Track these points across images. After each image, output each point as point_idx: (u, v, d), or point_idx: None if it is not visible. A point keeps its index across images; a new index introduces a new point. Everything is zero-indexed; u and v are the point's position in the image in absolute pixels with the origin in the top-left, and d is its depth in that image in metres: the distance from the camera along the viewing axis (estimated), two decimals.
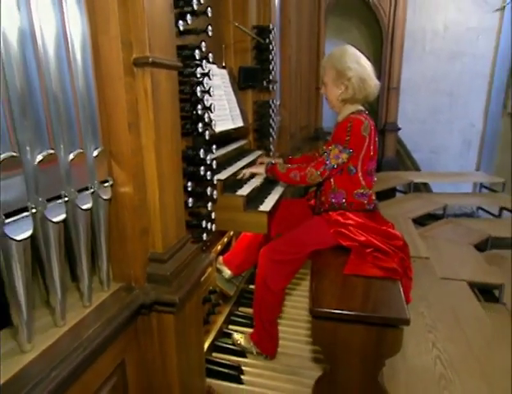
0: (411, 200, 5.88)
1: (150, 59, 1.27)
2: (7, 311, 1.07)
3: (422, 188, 6.58)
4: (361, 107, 2.15)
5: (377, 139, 2.13)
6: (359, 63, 2.08)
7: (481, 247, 4.55)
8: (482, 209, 6.32)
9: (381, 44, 6.46)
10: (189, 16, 1.52)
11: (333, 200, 2.11)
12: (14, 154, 0.97)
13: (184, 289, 1.43)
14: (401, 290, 1.81)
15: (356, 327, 1.67)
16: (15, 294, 1.03)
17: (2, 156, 0.94)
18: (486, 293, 3.66)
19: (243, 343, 2.19)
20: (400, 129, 6.90)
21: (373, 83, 2.12)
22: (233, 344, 2.25)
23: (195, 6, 1.50)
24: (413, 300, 2.11)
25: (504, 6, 6.54)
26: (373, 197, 2.17)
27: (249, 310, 2.54)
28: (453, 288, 3.41)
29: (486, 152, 7.28)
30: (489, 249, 4.61)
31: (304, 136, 4.85)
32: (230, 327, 2.43)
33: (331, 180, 2.10)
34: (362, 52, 2.17)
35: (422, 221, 5.31)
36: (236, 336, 2.23)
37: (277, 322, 2.18)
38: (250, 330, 2.34)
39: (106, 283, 1.39)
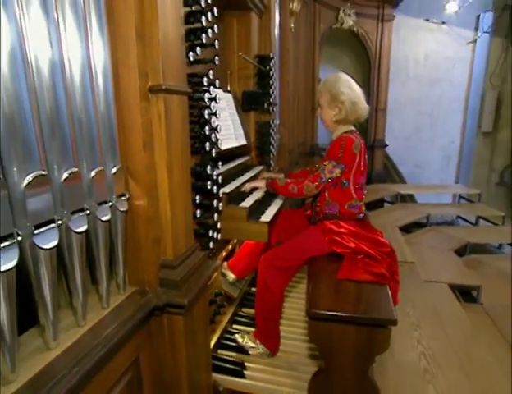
0: (398, 210, 5.88)
1: (164, 86, 1.30)
2: (35, 312, 1.08)
3: (408, 199, 6.58)
4: (353, 128, 2.17)
5: (366, 156, 2.14)
6: (351, 88, 2.11)
7: (460, 252, 4.56)
8: (461, 218, 6.35)
9: (370, 70, 6.52)
10: (198, 48, 1.55)
11: (327, 211, 2.12)
12: (43, 173, 0.99)
13: (192, 293, 1.44)
14: (389, 293, 1.82)
15: (349, 328, 1.67)
16: (42, 296, 1.05)
17: (33, 175, 0.96)
18: (465, 294, 3.66)
19: (249, 342, 2.17)
20: (387, 145, 6.93)
21: (363, 106, 2.14)
22: (236, 342, 2.22)
23: (204, 40, 1.53)
24: (400, 301, 2.11)
25: (475, 40, 6.75)
26: (363, 208, 2.18)
27: (251, 311, 2.53)
28: (435, 290, 3.42)
29: (463, 166, 7.39)
30: (468, 255, 4.62)
31: (301, 152, 4.87)
32: (234, 326, 2.42)
33: (326, 192, 2.11)
34: (353, 78, 2.19)
35: (407, 228, 5.30)
36: (240, 337, 2.21)
37: (279, 322, 2.17)
38: (252, 329, 2.33)
39: (122, 287, 1.40)
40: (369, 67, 6.53)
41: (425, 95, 7.21)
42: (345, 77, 2.15)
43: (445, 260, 4.19)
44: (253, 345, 2.12)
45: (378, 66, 6.47)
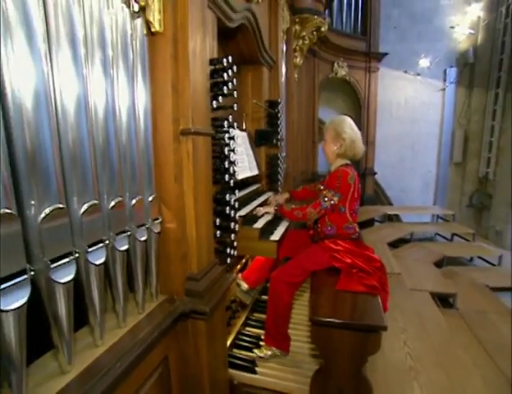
0: (386, 228, 5.80)
1: (192, 130, 1.33)
2: (85, 314, 1.08)
3: (395, 218, 6.49)
4: (348, 162, 2.16)
5: (359, 185, 2.13)
6: (353, 130, 2.13)
7: (439, 264, 4.49)
8: (439, 235, 6.28)
9: (360, 111, 6.60)
10: (220, 97, 1.58)
11: (327, 232, 2.10)
12: (96, 202, 1.01)
13: (213, 302, 1.43)
14: (380, 302, 1.77)
15: (345, 332, 1.63)
16: (92, 302, 1.06)
17: (88, 204, 0.98)
18: (443, 300, 3.57)
19: (265, 352, 2.08)
20: (376, 173, 6.93)
21: (360, 146, 2.16)
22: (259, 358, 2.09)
23: (225, 91, 1.56)
24: (390, 308, 2.06)
25: (444, 88, 6.89)
26: (357, 229, 2.15)
27: (262, 316, 2.49)
28: (419, 297, 3.34)
29: (440, 191, 7.38)
30: (445, 266, 4.54)
31: (303, 178, 4.87)
32: (247, 328, 2.38)
33: (326, 216, 2.10)
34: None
35: (394, 244, 5.22)
36: (257, 352, 2.09)
37: (288, 326, 2.12)
38: (262, 331, 2.28)
39: (155, 295, 1.40)
40: (360, 108, 6.60)
41: (406, 132, 7.27)
42: (349, 120, 2.17)
43: (426, 271, 4.12)
44: (270, 351, 2.06)
45: (367, 108, 6.56)
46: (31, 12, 0.82)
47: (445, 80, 6.89)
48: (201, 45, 1.41)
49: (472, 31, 6.46)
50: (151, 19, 1.20)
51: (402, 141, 7.32)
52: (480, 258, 5.02)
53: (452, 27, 6.52)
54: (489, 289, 3.79)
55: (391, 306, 2.23)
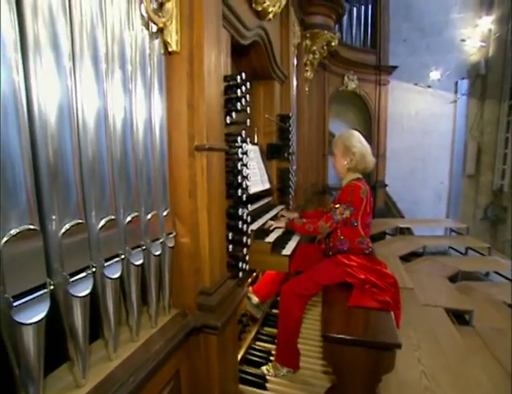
0: (398, 241, 5.70)
1: (207, 146, 1.35)
2: (97, 327, 1.10)
3: (406, 231, 6.40)
4: (360, 175, 2.16)
5: (371, 198, 2.12)
6: (362, 143, 2.13)
7: (453, 279, 4.35)
8: (452, 248, 6.14)
9: (371, 123, 6.59)
10: (234, 113, 1.60)
11: (339, 246, 2.08)
12: (113, 217, 1.03)
13: (225, 316, 1.43)
14: (393, 319, 1.74)
15: (358, 349, 1.60)
16: (107, 315, 1.08)
17: (106, 219, 1.00)
18: (458, 317, 3.46)
19: (272, 371, 2.06)
20: (387, 185, 6.87)
21: (370, 159, 2.16)
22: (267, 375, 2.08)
23: (239, 107, 1.58)
24: (402, 324, 2.01)
25: (455, 100, 6.85)
26: (370, 244, 2.13)
27: (272, 330, 2.47)
28: (432, 313, 3.23)
29: (452, 203, 7.24)
30: (459, 281, 4.40)
31: (314, 191, 4.86)
32: (258, 343, 2.36)
33: (338, 231, 2.09)
34: (358, 130, 2.22)
35: (406, 258, 5.12)
36: (265, 369, 2.08)
37: (297, 341, 2.09)
38: (273, 346, 2.26)
39: (167, 309, 1.40)
40: (370, 121, 6.59)
41: (417, 144, 7.21)
42: (357, 134, 2.18)
43: (440, 286, 4.00)
44: (278, 371, 2.04)
45: (378, 120, 6.54)
46: (59, 32, 0.86)
47: (456, 92, 6.87)
48: (216, 63, 1.44)
49: (483, 44, 6.45)
50: (168, 39, 1.25)
51: (413, 153, 7.26)
52: (496, 273, 4.88)
53: (463, 40, 6.52)
54: (506, 305, 3.67)
55: (404, 322, 2.18)
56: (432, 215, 7.21)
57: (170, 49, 1.27)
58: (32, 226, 0.81)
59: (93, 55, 0.96)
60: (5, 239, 0.76)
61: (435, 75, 6.76)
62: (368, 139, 6.17)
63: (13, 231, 0.77)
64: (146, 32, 1.19)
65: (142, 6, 1.16)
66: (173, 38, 1.26)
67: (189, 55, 1.32)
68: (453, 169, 7.16)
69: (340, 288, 1.99)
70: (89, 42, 0.95)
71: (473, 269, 4.91)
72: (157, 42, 1.25)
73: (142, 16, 1.17)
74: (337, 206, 2.03)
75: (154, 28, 1.22)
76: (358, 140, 2.13)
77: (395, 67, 6.48)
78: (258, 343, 2.36)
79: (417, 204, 7.34)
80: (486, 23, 6.38)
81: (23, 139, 0.78)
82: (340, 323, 1.70)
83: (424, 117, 7.13)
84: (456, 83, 6.83)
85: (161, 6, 1.22)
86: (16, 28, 0.76)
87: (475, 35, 6.52)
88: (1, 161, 0.74)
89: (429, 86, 6.89)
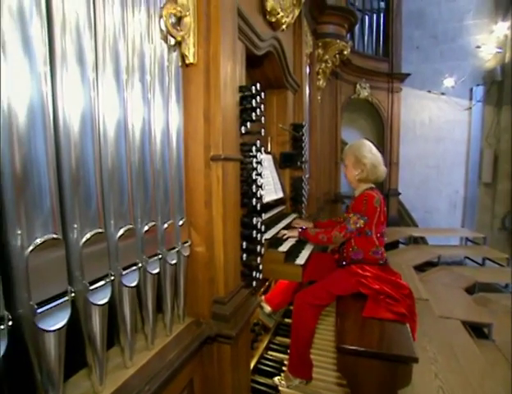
0: (411, 250, 5.61)
1: (222, 156, 1.37)
2: (112, 334, 1.12)
3: (420, 241, 6.30)
4: (373, 185, 2.15)
5: (385, 208, 2.11)
6: (372, 153, 2.12)
7: (470, 290, 4.24)
8: (469, 259, 5.99)
9: (383, 131, 6.55)
10: (248, 123, 1.62)
11: (353, 256, 2.07)
12: (131, 226, 1.05)
13: (238, 326, 1.43)
14: (409, 331, 1.72)
15: (373, 362, 1.58)
16: (124, 322, 1.09)
17: (124, 228, 1.02)
18: (476, 330, 3.36)
19: (284, 381, 2.04)
20: (400, 193, 6.79)
21: (382, 168, 2.14)
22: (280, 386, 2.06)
23: (254, 117, 1.61)
24: (417, 336, 1.97)
25: (470, 107, 6.76)
26: (384, 254, 2.11)
27: (284, 340, 2.46)
28: (449, 326, 3.15)
29: (468, 212, 7.08)
30: (477, 293, 4.29)
31: (326, 199, 4.84)
32: (270, 352, 2.35)
33: (352, 240, 2.08)
34: (370, 139, 2.22)
35: (421, 267, 5.03)
36: (277, 380, 2.07)
37: (310, 352, 2.07)
38: (285, 356, 2.24)
39: (182, 317, 1.41)
40: (383, 128, 6.56)
41: (431, 151, 7.14)
42: (367, 143, 2.17)
43: (456, 297, 3.91)
44: (290, 382, 2.02)
45: (390, 128, 6.50)
46: (84, 46, 0.90)
47: (471, 99, 6.78)
48: (231, 74, 1.47)
49: (499, 50, 6.37)
50: (186, 52, 1.28)
51: (426, 161, 7.18)
52: None
53: (478, 47, 6.46)
54: None
55: (419, 334, 2.14)
56: (446, 224, 7.08)
57: (187, 62, 1.31)
58: (55, 236, 0.83)
59: (114, 66, 1.00)
60: (31, 248, 0.78)
61: (449, 82, 6.71)
62: (381, 146, 6.22)
63: (38, 240, 0.79)
64: (165, 45, 1.23)
65: (161, 20, 1.20)
66: (190, 51, 1.29)
67: (206, 67, 1.35)
68: (468, 177, 7.03)
69: (354, 298, 1.97)
70: (111, 54, 0.99)
71: (492, 281, 4.80)
72: (175, 54, 1.28)
73: (161, 29, 1.21)
74: (351, 216, 2.02)
75: (172, 41, 1.26)
76: (369, 150, 2.12)
77: (407, 75, 6.46)
78: (270, 353, 2.34)
79: (431, 213, 7.23)
80: (503, 29, 6.31)
81: (49, 148, 0.81)
82: (354, 334, 1.69)
83: (438, 124, 7.06)
84: (471, 89, 6.75)
85: (179, 20, 1.25)
86: (46, 43, 0.80)
87: (491, 41, 6.46)
88: (28, 170, 0.77)
89: (443, 93, 6.83)
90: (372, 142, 2.21)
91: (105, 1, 0.97)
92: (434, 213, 7.24)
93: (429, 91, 6.92)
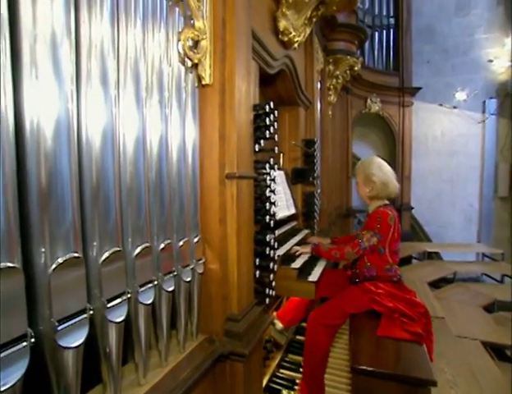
0: (426, 266, 5.48)
1: (237, 174, 1.39)
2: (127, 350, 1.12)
3: (435, 256, 6.18)
4: (387, 202, 2.14)
5: (400, 225, 2.09)
6: (382, 170, 2.11)
7: (488, 309, 4.09)
8: (487, 275, 5.82)
9: (395, 145, 6.53)
10: (262, 141, 1.65)
11: (367, 273, 2.05)
12: (148, 245, 1.07)
13: (251, 344, 1.42)
14: (427, 352, 1.67)
15: (389, 384, 1.54)
16: (139, 339, 1.11)
17: (142, 246, 1.04)
18: (497, 352, 3.21)
19: None
20: (412, 208, 6.71)
21: (392, 186, 2.12)
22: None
23: (267, 135, 1.63)
24: (434, 357, 1.91)
25: (484, 120, 6.69)
26: (398, 271, 2.08)
27: (296, 357, 2.42)
28: (468, 346, 3.03)
29: (484, 227, 6.91)
30: (496, 312, 4.13)
31: (338, 213, 4.81)
32: (281, 370, 2.31)
33: (365, 257, 2.06)
34: (381, 155, 2.21)
35: (435, 284, 4.91)
36: None
37: (324, 374, 2.03)
38: (297, 374, 2.21)
39: (195, 334, 1.41)
40: (394, 143, 6.54)
41: (444, 165, 7.05)
42: (377, 161, 2.16)
43: (474, 316, 3.77)
44: None
45: (402, 142, 6.48)
46: (108, 66, 0.94)
47: (484, 112, 6.72)
48: (246, 94, 1.51)
49: None
50: (202, 74, 1.32)
51: (440, 175, 7.10)
52: None
53: (491, 61, 6.44)
54: None
55: (436, 355, 2.07)
56: (461, 239, 6.92)
57: (203, 82, 1.35)
58: (76, 254, 0.85)
59: (135, 85, 1.04)
60: (53, 266, 0.81)
61: (461, 95, 6.68)
62: (392, 160, 6.19)
63: (60, 260, 0.82)
64: (182, 67, 1.27)
65: (179, 43, 1.25)
66: (207, 73, 1.33)
67: (221, 87, 1.39)
68: (483, 191, 6.91)
69: (368, 316, 1.94)
70: (132, 72, 1.03)
71: None
72: (191, 76, 1.32)
73: (179, 52, 1.25)
74: (364, 233, 2.01)
75: (189, 63, 1.30)
76: (378, 168, 2.11)
77: (418, 89, 6.47)
78: (281, 371, 2.31)
79: (445, 228, 7.09)
80: None
81: (72, 164, 0.85)
82: (369, 354, 1.65)
83: (450, 138, 7.00)
84: (484, 103, 6.70)
85: (196, 43, 1.30)
86: (73, 63, 0.85)
87: (503, 55, 6.43)
88: (53, 186, 0.80)
89: (455, 107, 6.80)
90: (383, 158, 2.20)
91: (128, 25, 1.02)
92: (448, 227, 7.10)
93: (441, 105, 6.90)
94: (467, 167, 6.95)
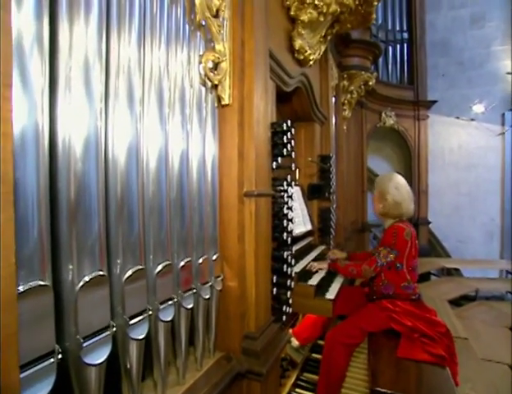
0: (445, 283, 5.28)
1: (255, 192, 1.41)
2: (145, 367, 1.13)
3: (454, 272, 6.00)
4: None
5: (417, 241, 2.06)
6: (398, 190, 2.07)
7: None
8: (511, 293, 5.58)
9: (410, 159, 6.46)
10: (279, 158, 1.67)
11: (384, 291, 2.01)
12: (169, 262, 1.09)
13: (269, 363, 1.41)
14: (451, 377, 1.62)
15: None
16: (158, 357, 1.11)
17: (163, 264, 1.06)
18: None
19: None
20: (430, 222, 6.57)
21: (406, 206, 2.07)
22: None
23: (285, 153, 1.65)
24: (459, 381, 1.84)
25: (503, 132, 6.55)
26: (417, 289, 2.04)
27: (312, 376, 2.36)
28: (495, 370, 2.84)
29: (507, 242, 6.68)
30: None
31: (353, 228, 4.76)
32: (297, 390, 2.26)
33: (382, 274, 2.02)
34: (398, 172, 2.19)
35: (456, 302, 4.73)
36: None
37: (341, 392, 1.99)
38: None
39: (212, 352, 1.41)
40: (410, 156, 6.48)
41: (462, 178, 6.91)
42: (395, 178, 2.12)
43: (500, 337, 3.53)
44: None
45: (418, 155, 6.42)
46: (134, 84, 0.99)
47: (503, 124, 6.59)
48: (264, 112, 1.54)
49: None
50: (222, 94, 1.36)
51: (458, 188, 6.95)
52: None
53: (509, 73, 6.36)
54: None
55: (461, 379, 1.99)
56: (482, 255, 6.69)
57: (223, 103, 1.38)
58: (101, 273, 0.88)
59: (158, 103, 1.09)
60: (80, 284, 0.83)
61: (478, 108, 6.58)
62: (408, 174, 6.11)
63: (87, 278, 0.84)
64: (203, 88, 1.32)
65: (200, 66, 1.29)
66: (226, 93, 1.37)
67: (240, 106, 1.42)
68: (504, 205, 6.72)
69: (386, 335, 1.90)
70: (156, 89, 1.08)
71: None
72: (211, 96, 1.36)
73: (200, 73, 1.30)
74: (381, 249, 1.98)
75: (209, 84, 1.34)
76: (394, 186, 2.07)
77: (433, 102, 6.43)
78: (297, 390, 2.26)
79: (464, 243, 6.90)
80: None
81: (100, 181, 0.88)
82: (389, 377, 1.61)
83: (468, 151, 6.87)
84: (503, 115, 6.59)
85: (216, 65, 1.34)
86: (103, 83, 0.90)
87: None
88: (81, 203, 0.83)
89: (473, 119, 6.70)
90: (401, 174, 2.18)
91: (153, 47, 1.07)
92: (468, 242, 6.90)
93: (457, 117, 6.81)
94: (486, 181, 6.79)
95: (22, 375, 0.69)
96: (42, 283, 0.74)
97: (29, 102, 0.72)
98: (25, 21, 0.71)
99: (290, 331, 2.36)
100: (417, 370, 1.64)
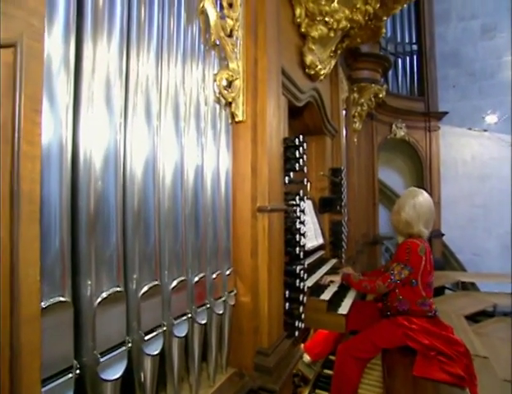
0: (461, 298, 5.10)
1: (269, 207, 1.41)
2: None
3: (470, 287, 5.84)
4: None
5: (432, 256, 2.02)
6: (415, 209, 2.01)
7: None
8: None
9: (422, 170, 6.40)
10: (291, 173, 1.68)
11: (399, 307, 1.97)
12: (183, 278, 1.10)
13: (282, 379, 1.39)
14: None
15: None
16: (172, 372, 1.12)
17: (178, 280, 1.07)
18: None
19: None
20: (443, 235, 6.46)
21: (419, 229, 2.02)
22: None
23: (297, 167, 1.66)
24: None
25: None
26: (433, 305, 1.99)
27: (324, 393, 2.32)
28: None
29: None
30: None
31: (365, 241, 4.70)
32: None
33: (396, 290, 1.98)
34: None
35: (473, 318, 4.57)
36: None
37: None
38: None
39: (224, 367, 1.40)
40: (421, 168, 6.42)
41: (476, 190, 6.78)
42: (418, 197, 2.04)
43: None
44: None
45: (429, 167, 6.35)
46: (151, 99, 1.03)
47: None
48: (276, 128, 1.56)
49: None
50: (236, 111, 1.39)
51: (472, 200, 6.81)
52: None
53: None
54: None
55: None
56: (498, 268, 6.48)
57: (237, 119, 1.41)
58: (119, 289, 0.90)
59: (174, 118, 1.12)
60: (98, 300, 0.85)
61: (491, 118, 6.50)
62: (420, 186, 5.97)
63: (105, 294, 0.86)
64: (217, 105, 1.35)
65: (215, 84, 1.33)
66: (240, 110, 1.40)
67: (253, 123, 1.45)
68: None
69: (401, 352, 1.85)
70: (172, 104, 1.12)
71: None
72: (225, 113, 1.39)
73: (214, 91, 1.33)
74: (394, 265, 1.95)
75: (223, 101, 1.37)
76: (414, 204, 2.01)
77: (445, 113, 6.40)
78: None
79: (480, 256, 6.72)
80: None
81: (118, 194, 0.90)
82: None
83: (481, 162, 6.75)
84: None
85: (230, 83, 1.37)
86: (122, 99, 0.94)
87: None
88: (99, 217, 0.85)
89: (485, 130, 6.63)
90: (424, 189, 2.13)
91: (169, 64, 1.12)
92: (484, 255, 6.72)
93: (470, 128, 6.75)
94: (501, 192, 6.64)
95: (43, 389, 0.70)
96: (62, 299, 0.75)
97: (55, 120, 0.76)
98: (54, 45, 0.75)
99: (302, 346, 2.33)
100: (434, 390, 1.60)
